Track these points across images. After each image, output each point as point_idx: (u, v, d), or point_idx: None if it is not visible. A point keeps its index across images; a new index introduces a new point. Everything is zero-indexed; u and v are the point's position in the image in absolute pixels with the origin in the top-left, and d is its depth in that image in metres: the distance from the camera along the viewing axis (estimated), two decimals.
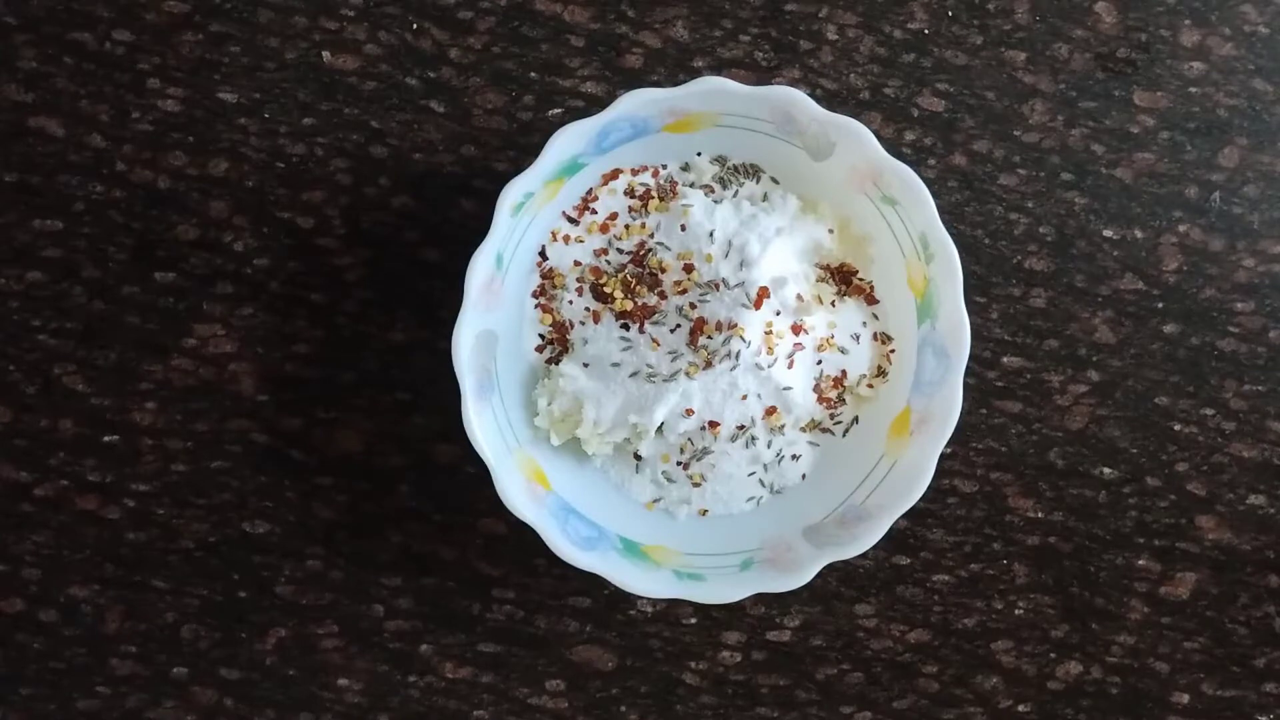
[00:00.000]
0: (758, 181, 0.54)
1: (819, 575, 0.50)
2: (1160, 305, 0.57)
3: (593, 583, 0.55)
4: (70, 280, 0.56)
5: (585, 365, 0.53)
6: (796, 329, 0.52)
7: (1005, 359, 0.57)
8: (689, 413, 0.51)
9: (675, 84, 0.50)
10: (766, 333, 0.51)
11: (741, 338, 0.50)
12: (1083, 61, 0.57)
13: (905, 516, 0.51)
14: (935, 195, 0.50)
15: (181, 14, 0.56)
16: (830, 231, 0.53)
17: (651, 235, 0.53)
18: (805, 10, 0.56)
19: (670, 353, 0.51)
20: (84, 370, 0.56)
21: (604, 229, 0.53)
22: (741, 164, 0.54)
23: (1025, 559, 0.57)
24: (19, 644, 0.56)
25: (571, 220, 0.54)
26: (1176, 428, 0.57)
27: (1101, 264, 0.57)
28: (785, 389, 0.52)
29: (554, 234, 0.53)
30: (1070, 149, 0.57)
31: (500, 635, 0.56)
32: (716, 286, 0.51)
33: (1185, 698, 0.58)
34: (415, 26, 0.56)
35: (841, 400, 0.54)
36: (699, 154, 0.54)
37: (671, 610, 0.57)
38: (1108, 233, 0.57)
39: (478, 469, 0.51)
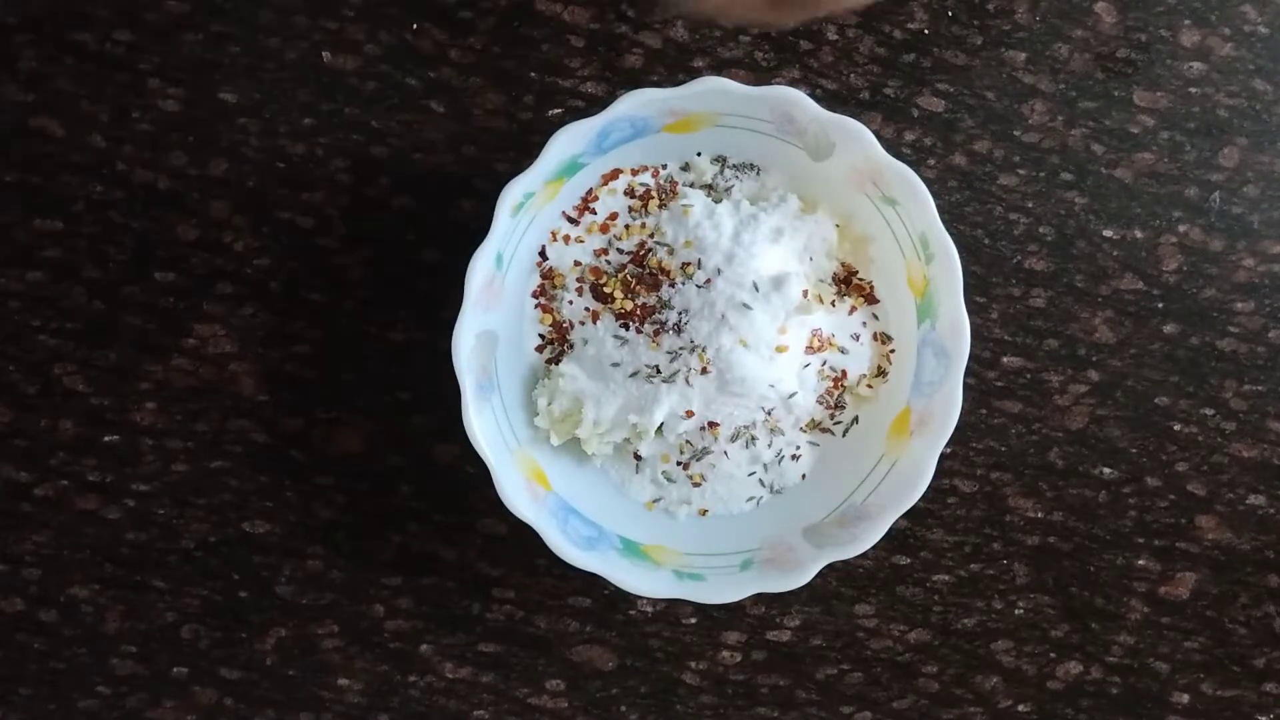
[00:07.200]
0: (758, 181, 0.54)
1: (819, 575, 0.50)
2: (1160, 305, 0.57)
3: (593, 583, 0.55)
4: (70, 280, 0.56)
5: (585, 365, 0.53)
6: (797, 329, 0.52)
7: (1005, 359, 0.57)
8: (689, 414, 0.51)
9: (675, 84, 0.50)
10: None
11: (741, 339, 0.50)
12: (1083, 61, 0.57)
13: (905, 516, 0.51)
14: (935, 195, 0.50)
15: (181, 14, 0.56)
16: (836, 227, 0.53)
17: (651, 235, 0.53)
18: None
19: (670, 353, 0.51)
20: (84, 370, 0.56)
21: (604, 229, 0.53)
22: (741, 164, 0.54)
23: (1025, 559, 0.57)
24: (19, 644, 0.56)
25: (571, 220, 0.54)
26: (1176, 428, 0.57)
27: (1101, 264, 0.57)
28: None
29: (554, 234, 0.53)
30: (1070, 149, 0.57)
31: (500, 635, 0.56)
32: (717, 287, 0.51)
33: (1185, 698, 0.58)
34: (415, 26, 0.56)
35: (841, 400, 0.54)
36: (699, 154, 0.54)
37: (671, 610, 0.57)
38: (1108, 233, 0.57)
39: (478, 469, 0.51)
